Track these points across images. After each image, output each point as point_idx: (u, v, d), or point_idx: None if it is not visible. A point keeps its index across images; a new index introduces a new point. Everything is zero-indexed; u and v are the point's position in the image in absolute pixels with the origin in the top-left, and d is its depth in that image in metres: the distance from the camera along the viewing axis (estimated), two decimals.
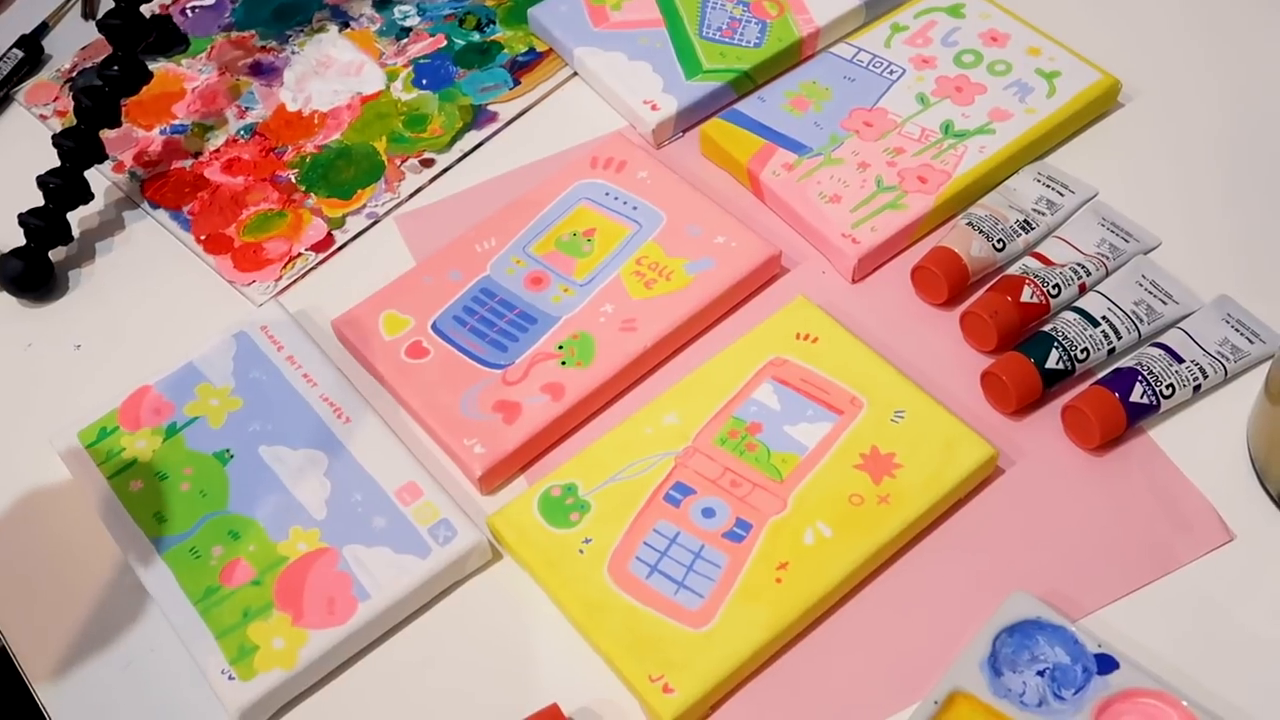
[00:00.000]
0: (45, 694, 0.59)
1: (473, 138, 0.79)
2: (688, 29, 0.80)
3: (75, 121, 0.75)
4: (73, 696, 0.59)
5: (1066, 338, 0.62)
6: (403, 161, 0.78)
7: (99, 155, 0.75)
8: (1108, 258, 0.67)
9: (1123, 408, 0.60)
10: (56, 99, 0.85)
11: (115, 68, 0.75)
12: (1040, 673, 0.54)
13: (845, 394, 0.63)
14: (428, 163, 0.78)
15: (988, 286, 0.67)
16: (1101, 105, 0.74)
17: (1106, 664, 0.53)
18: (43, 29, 0.89)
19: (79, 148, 0.74)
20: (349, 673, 0.59)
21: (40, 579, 0.63)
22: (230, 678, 0.57)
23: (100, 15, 0.76)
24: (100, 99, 0.75)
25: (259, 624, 0.58)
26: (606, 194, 0.72)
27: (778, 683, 0.57)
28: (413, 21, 0.86)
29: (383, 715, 0.57)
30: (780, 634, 0.56)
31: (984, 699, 0.53)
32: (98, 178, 0.79)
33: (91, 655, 0.60)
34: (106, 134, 0.79)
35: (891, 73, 0.76)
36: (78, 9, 0.90)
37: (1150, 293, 0.65)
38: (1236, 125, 0.74)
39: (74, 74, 0.86)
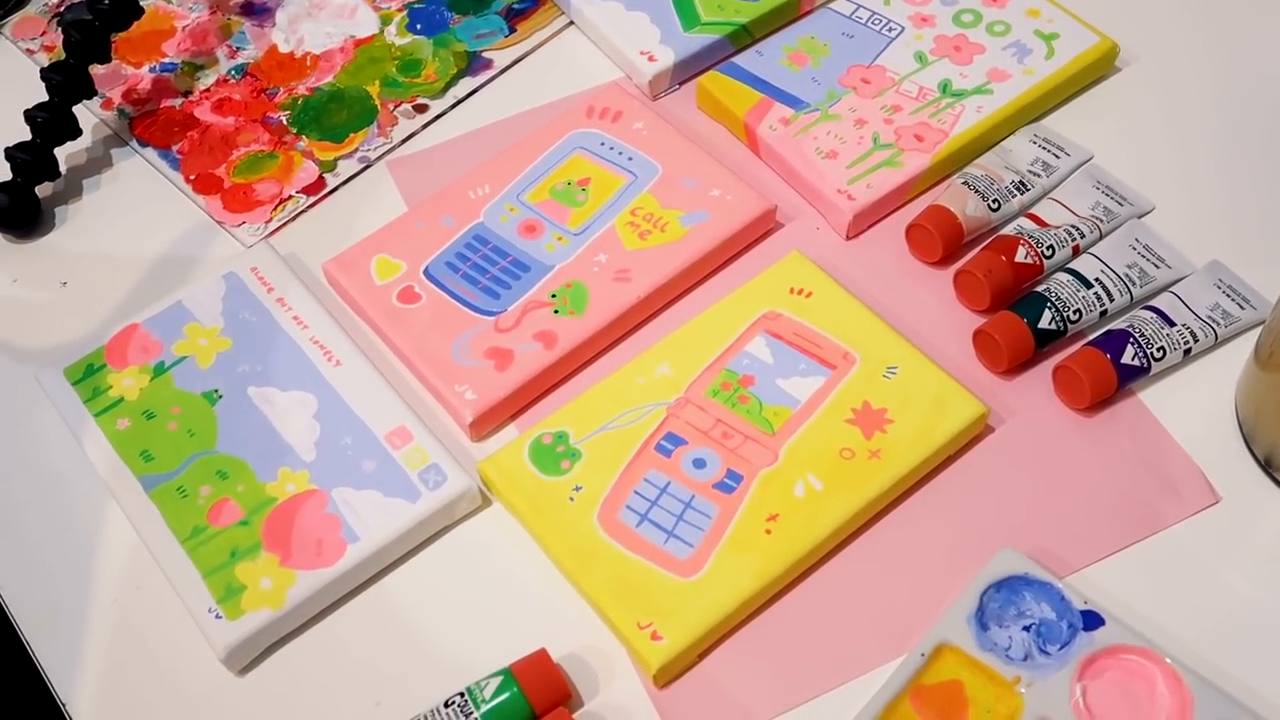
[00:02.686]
0: (30, 631, 0.59)
1: (467, 84, 0.78)
2: None
3: (64, 56, 0.74)
4: (58, 633, 0.59)
5: (1060, 298, 0.63)
6: (395, 106, 0.77)
7: (88, 90, 0.74)
8: (1102, 220, 0.67)
9: (1114, 369, 0.61)
10: (44, 33, 0.83)
11: (106, 1, 0.74)
12: (1026, 628, 0.54)
13: (838, 349, 0.63)
14: (421, 108, 0.77)
15: (982, 246, 0.67)
16: (1099, 69, 0.74)
17: (1092, 620, 0.54)
18: None
19: (67, 82, 0.73)
20: (336, 614, 0.59)
21: (26, 517, 0.62)
22: (217, 616, 0.56)
23: None
24: (90, 33, 0.73)
25: (247, 564, 0.58)
26: (602, 144, 0.72)
27: (766, 633, 0.57)
28: None
29: (369, 658, 0.57)
30: (769, 585, 0.57)
31: (970, 652, 0.54)
32: (85, 114, 0.78)
33: (77, 593, 0.60)
34: (95, 70, 0.78)
35: (890, 30, 0.76)
36: None
37: (1143, 256, 0.65)
38: (1233, 92, 0.74)
39: (62, 8, 0.85)
